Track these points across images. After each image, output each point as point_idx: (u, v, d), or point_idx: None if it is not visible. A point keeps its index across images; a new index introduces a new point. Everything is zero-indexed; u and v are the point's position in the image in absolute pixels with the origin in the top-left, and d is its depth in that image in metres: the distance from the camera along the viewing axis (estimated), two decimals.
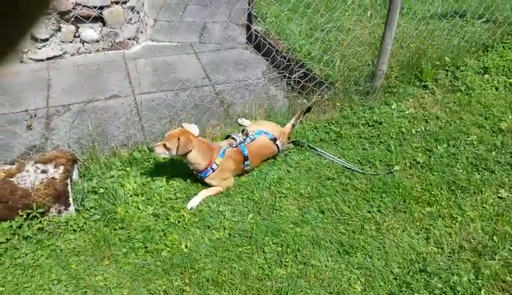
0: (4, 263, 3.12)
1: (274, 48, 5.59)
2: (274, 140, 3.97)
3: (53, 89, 5.34)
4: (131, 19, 6.15)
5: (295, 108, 4.61)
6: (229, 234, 3.37)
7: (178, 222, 3.46)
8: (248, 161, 3.82)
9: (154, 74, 5.55)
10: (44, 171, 3.41)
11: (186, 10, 7.23)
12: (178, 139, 3.46)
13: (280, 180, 3.85)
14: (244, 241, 3.30)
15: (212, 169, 3.65)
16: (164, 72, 5.51)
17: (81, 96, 5.10)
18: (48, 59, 5.87)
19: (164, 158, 3.83)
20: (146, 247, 3.25)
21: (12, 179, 3.33)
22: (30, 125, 4.36)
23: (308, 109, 4.55)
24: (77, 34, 5.96)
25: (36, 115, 4.58)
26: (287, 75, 4.99)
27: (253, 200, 3.67)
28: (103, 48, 6.12)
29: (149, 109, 4.85)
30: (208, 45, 6.36)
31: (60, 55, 5.96)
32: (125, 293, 2.94)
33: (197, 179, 3.76)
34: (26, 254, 3.17)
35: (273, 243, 3.27)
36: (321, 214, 3.52)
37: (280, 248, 3.23)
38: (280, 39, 5.96)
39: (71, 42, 5.98)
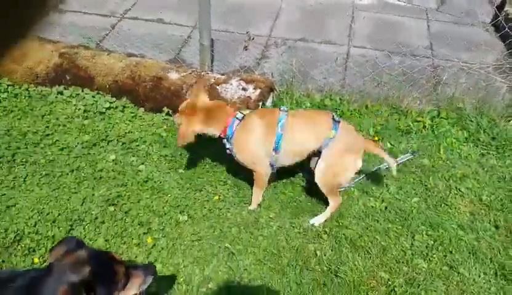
0: None
1: None
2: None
3: (279, 20, 5.89)
4: None
5: None
6: (386, 207, 3.43)
7: None
8: (281, 141, 3.04)
9: (375, 30, 5.62)
10: (244, 89, 3.94)
11: None
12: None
13: (463, 177, 3.66)
14: (397, 219, 3.33)
15: (238, 118, 3.06)
16: (387, 31, 5.52)
17: (298, 34, 5.52)
18: None
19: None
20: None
21: (217, 87, 3.95)
22: (246, 46, 4.97)
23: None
24: None
25: (253, 39, 5.17)
26: None
27: (426, 185, 3.61)
28: None
29: (357, 63, 4.99)
30: (445, 15, 6.05)
31: None
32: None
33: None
34: None
35: (426, 234, 3.22)
36: (494, 228, 3.28)
37: (432, 242, 3.17)
38: None
39: None
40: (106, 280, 1.83)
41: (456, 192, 3.55)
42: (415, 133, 4.06)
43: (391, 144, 3.95)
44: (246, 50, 4.98)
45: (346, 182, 3.25)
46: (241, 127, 3.06)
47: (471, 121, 4.11)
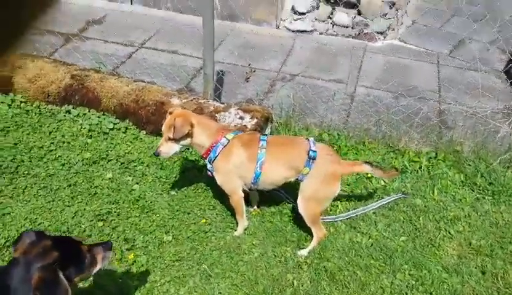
0: None
1: None
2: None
3: (291, 57, 6.06)
4: (386, 14, 6.37)
5: None
6: (372, 244, 3.43)
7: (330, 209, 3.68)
8: (261, 162, 3.15)
9: (384, 72, 5.72)
10: (241, 118, 4.07)
11: (451, 20, 7.03)
12: (174, 119, 3.17)
13: (455, 220, 3.64)
14: (381, 256, 3.32)
15: (222, 145, 3.18)
16: (397, 73, 5.61)
17: (308, 71, 5.67)
18: (298, 31, 6.64)
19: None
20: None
21: (216, 115, 4.09)
22: (248, 78, 5.14)
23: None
24: (331, 16, 6.53)
25: (255, 71, 5.37)
26: None
27: (415, 225, 3.60)
28: (349, 35, 6.55)
29: (361, 103, 5.08)
30: (456, 61, 6.11)
31: (310, 31, 6.65)
32: None
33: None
34: None
35: (409, 274, 3.19)
36: (481, 274, 3.22)
37: (414, 282, 3.14)
38: None
39: (323, 21, 6.60)
40: (74, 260, 2.04)
41: (445, 233, 3.52)
42: (410, 173, 4.07)
43: (384, 182, 3.97)
44: (247, 81, 5.15)
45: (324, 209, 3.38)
46: (224, 153, 3.18)
47: (469, 165, 4.10)
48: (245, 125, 3.98)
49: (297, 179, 3.25)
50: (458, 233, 3.53)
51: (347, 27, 6.56)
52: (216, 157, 3.22)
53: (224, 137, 3.23)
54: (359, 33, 6.51)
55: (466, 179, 4.02)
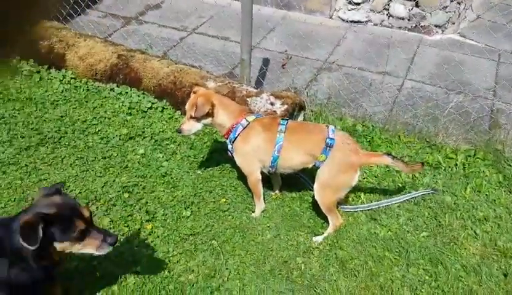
0: None
1: None
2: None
3: (341, 48, 6.00)
4: (446, 7, 6.12)
5: None
6: (390, 237, 3.36)
7: (352, 199, 3.65)
8: (279, 146, 3.21)
9: (438, 67, 5.51)
10: (272, 103, 4.12)
11: None
12: (197, 98, 3.27)
13: (483, 219, 3.48)
14: (396, 249, 3.25)
15: (242, 126, 3.26)
16: (450, 68, 5.38)
17: (356, 62, 5.59)
18: (352, 21, 6.55)
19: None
20: None
21: (247, 99, 4.17)
22: (284, 65, 5.16)
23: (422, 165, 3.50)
24: (387, 7, 6.38)
25: (291, 58, 5.38)
26: None
27: (439, 222, 3.48)
28: (405, 27, 6.36)
29: (409, 97, 4.94)
30: None
31: (364, 22, 6.54)
32: None
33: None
34: None
35: (423, 268, 3.11)
36: (502, 276, 3.07)
37: (427, 277, 3.05)
38: None
39: (379, 12, 6.46)
40: (63, 225, 2.15)
41: (470, 232, 3.38)
42: (444, 170, 3.92)
43: (414, 177, 3.86)
44: (284, 68, 5.17)
45: (341, 197, 3.36)
46: (243, 135, 3.26)
47: (510, 165, 3.88)
48: (274, 111, 4.03)
49: (314, 165, 3.26)
50: (485, 233, 3.37)
51: (403, 19, 6.37)
52: (236, 137, 3.30)
53: (245, 119, 3.30)
54: (416, 26, 6.31)
55: (504, 180, 3.81)
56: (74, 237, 2.18)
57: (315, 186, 3.26)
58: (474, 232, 3.38)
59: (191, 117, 3.33)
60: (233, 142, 3.32)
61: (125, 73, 4.61)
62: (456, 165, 3.95)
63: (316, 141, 3.19)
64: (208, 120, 3.34)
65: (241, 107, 3.53)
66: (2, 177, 3.70)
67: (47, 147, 4.07)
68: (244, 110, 3.44)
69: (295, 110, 4.16)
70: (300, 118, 4.30)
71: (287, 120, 3.39)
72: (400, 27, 6.42)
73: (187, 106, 3.36)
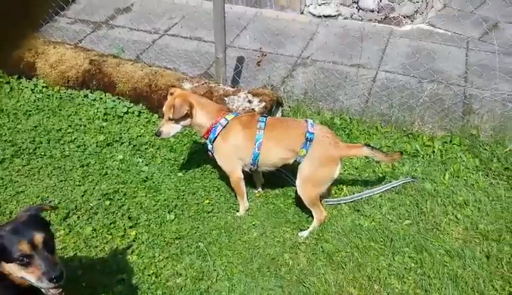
0: None
1: None
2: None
3: (314, 42, 6.04)
4: None
5: None
6: (374, 227, 3.41)
7: (335, 192, 3.69)
8: (259, 143, 3.22)
9: (409, 56, 5.60)
10: (250, 101, 4.13)
11: (485, 3, 6.75)
12: (174, 100, 3.24)
13: (463, 204, 3.56)
14: (381, 239, 3.30)
15: (221, 125, 3.26)
16: (421, 57, 5.47)
17: (330, 56, 5.64)
18: (323, 16, 6.59)
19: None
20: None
21: (225, 98, 4.16)
22: (259, 62, 5.18)
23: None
24: (356, 0, 6.45)
25: (266, 55, 5.40)
26: None
27: (421, 209, 3.54)
28: (375, 19, 6.44)
29: (384, 88, 5.01)
30: (488, 45, 5.88)
31: (334, 16, 6.60)
32: None
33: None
34: None
35: (409, 256, 3.16)
36: (485, 259, 3.14)
37: (412, 264, 3.11)
38: None
39: (348, 6, 6.52)
40: (8, 245, 2.06)
41: (452, 217, 3.45)
42: (422, 157, 4.00)
43: (394, 166, 3.92)
44: (259, 65, 5.18)
45: (324, 191, 3.37)
46: (223, 134, 3.25)
47: (485, 149, 3.98)
48: (253, 109, 4.03)
49: (295, 160, 3.27)
50: (466, 218, 3.45)
51: (373, 11, 6.45)
52: (215, 137, 3.29)
53: (224, 118, 3.30)
54: (385, 17, 6.39)
55: (481, 164, 3.90)
56: (17, 260, 2.06)
57: (297, 181, 3.27)
58: (456, 216, 3.45)
59: (169, 119, 3.30)
60: (213, 142, 3.31)
61: (98, 78, 4.55)
62: (433, 152, 4.03)
63: (295, 136, 3.21)
64: (187, 121, 3.32)
65: (219, 106, 3.53)
66: None
67: (22, 158, 3.98)
68: (222, 109, 3.43)
69: (273, 106, 4.18)
70: (278, 114, 4.31)
71: (266, 116, 3.40)
72: (370, 20, 6.49)
73: (164, 108, 3.33)
